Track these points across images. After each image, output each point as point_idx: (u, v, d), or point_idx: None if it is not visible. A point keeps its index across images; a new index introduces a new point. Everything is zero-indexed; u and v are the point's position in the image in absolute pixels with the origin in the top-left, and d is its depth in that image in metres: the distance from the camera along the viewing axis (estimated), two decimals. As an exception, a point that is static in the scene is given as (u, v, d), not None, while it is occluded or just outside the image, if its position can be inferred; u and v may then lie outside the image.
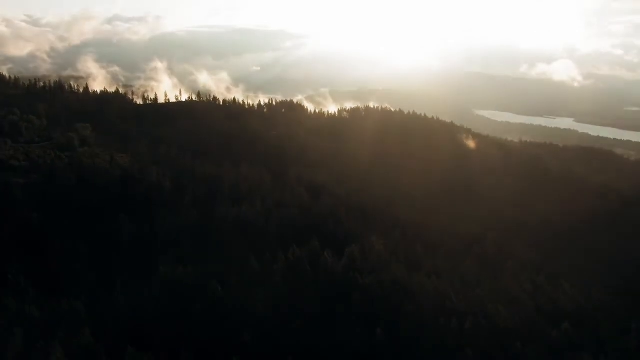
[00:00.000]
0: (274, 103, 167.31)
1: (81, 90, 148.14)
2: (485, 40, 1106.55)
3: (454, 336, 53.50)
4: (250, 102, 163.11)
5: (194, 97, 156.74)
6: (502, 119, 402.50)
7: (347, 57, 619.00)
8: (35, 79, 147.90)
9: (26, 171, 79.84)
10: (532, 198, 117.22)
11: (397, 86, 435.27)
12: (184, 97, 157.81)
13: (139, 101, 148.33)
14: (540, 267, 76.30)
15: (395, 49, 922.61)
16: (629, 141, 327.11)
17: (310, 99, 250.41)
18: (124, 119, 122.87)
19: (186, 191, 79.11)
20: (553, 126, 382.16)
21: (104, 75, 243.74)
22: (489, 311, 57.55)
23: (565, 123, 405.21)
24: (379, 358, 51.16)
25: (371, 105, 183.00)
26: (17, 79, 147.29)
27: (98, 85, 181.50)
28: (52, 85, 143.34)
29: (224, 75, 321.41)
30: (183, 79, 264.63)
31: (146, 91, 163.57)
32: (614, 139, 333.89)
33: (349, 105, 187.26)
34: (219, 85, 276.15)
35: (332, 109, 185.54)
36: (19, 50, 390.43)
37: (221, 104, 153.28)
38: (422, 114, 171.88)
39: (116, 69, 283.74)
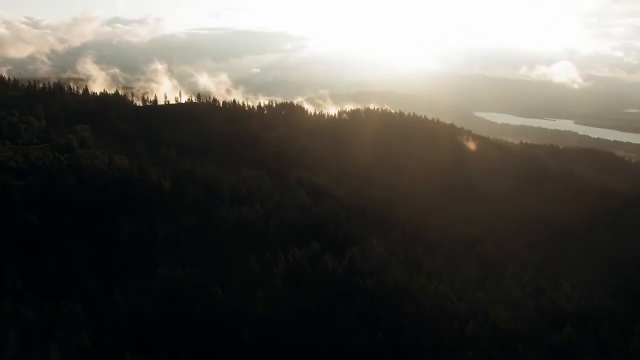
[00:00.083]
0: (274, 105, 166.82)
1: (80, 91, 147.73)
2: (485, 42, 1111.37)
3: (454, 337, 53.46)
4: (250, 104, 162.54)
5: (194, 99, 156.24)
6: (502, 120, 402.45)
7: (347, 59, 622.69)
8: (34, 81, 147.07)
9: (25, 172, 79.41)
10: (532, 199, 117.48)
11: (397, 88, 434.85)
12: (183, 99, 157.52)
13: (139, 103, 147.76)
14: (540, 267, 76.37)
15: (395, 50, 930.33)
16: (629, 143, 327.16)
17: (310, 100, 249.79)
18: (123, 120, 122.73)
19: (186, 192, 78.95)
20: (553, 128, 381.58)
21: (104, 77, 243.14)
22: (489, 312, 57.46)
23: (565, 125, 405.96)
24: (379, 359, 51.09)
25: (371, 106, 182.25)
26: (16, 81, 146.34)
27: (98, 87, 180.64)
28: (52, 86, 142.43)
29: (224, 77, 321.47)
30: (183, 80, 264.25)
31: (146, 93, 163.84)
32: (614, 140, 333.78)
33: (349, 107, 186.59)
34: (219, 87, 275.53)
35: (332, 110, 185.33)
36: (19, 52, 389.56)
37: (221, 105, 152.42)
38: (422, 116, 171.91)
39: (116, 70, 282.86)
